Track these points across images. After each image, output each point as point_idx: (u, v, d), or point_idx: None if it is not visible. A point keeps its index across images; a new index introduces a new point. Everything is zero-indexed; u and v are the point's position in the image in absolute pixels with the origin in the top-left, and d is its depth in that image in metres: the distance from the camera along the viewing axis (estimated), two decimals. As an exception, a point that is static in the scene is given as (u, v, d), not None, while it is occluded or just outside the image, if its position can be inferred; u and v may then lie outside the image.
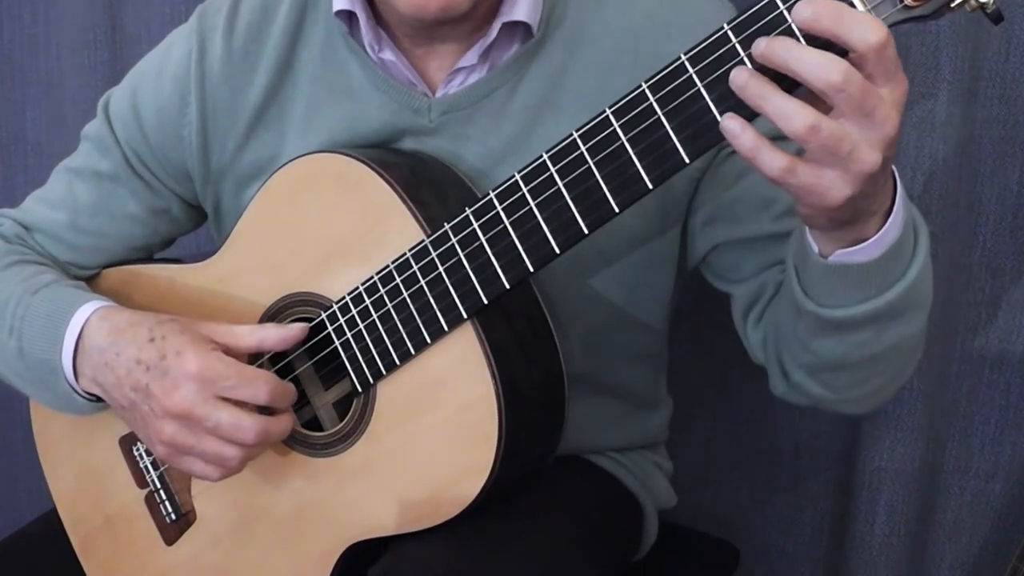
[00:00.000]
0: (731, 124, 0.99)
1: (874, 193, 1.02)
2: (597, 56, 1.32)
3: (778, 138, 0.99)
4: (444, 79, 1.35)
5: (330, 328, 1.30)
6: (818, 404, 1.32)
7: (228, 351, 1.29)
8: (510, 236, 1.16)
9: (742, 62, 0.99)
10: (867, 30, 0.92)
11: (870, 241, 1.08)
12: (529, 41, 1.32)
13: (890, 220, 1.08)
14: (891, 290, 1.12)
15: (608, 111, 1.07)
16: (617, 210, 1.09)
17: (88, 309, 1.36)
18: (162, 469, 1.45)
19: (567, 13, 1.33)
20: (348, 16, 1.34)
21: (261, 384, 1.26)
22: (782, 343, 1.28)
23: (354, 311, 1.28)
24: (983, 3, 0.95)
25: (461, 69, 1.34)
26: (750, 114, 0.99)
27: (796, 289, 1.17)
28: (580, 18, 1.33)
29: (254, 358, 1.36)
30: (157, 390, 1.27)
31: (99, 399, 1.37)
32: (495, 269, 1.18)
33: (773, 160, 0.98)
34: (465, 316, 1.21)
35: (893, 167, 1.07)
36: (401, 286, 1.24)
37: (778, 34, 0.97)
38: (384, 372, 1.27)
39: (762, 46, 0.96)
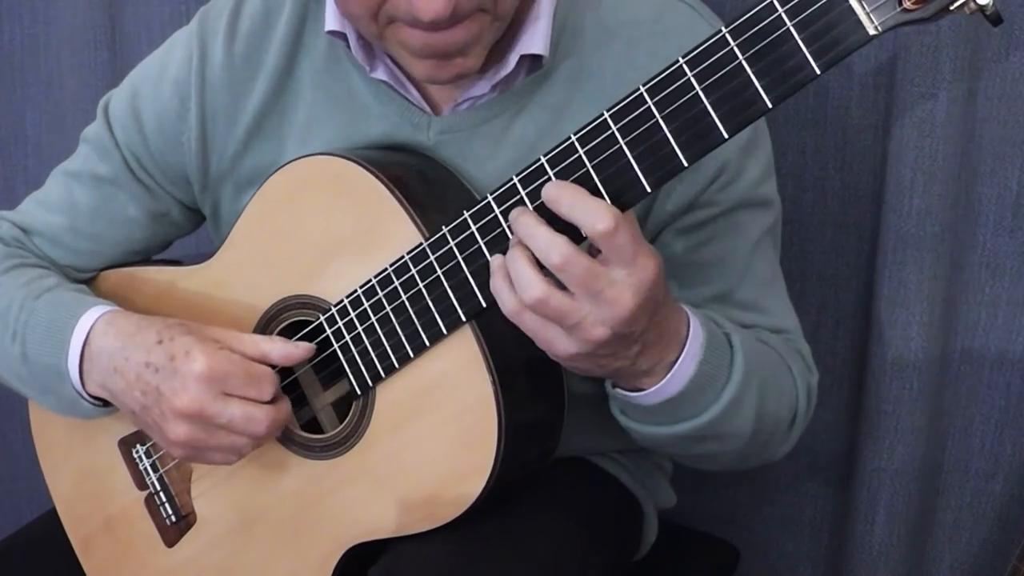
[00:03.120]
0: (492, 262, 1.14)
1: (624, 356, 1.14)
2: (601, 93, 1.29)
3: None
4: (451, 107, 1.34)
5: (328, 331, 1.30)
6: None
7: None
8: (509, 240, 1.16)
9: (740, 65, 1.00)
10: (596, 218, 1.06)
11: (645, 392, 1.20)
12: (536, 72, 1.31)
13: (667, 379, 1.18)
14: (678, 424, 1.23)
15: (606, 114, 1.07)
16: None
17: (94, 314, 1.36)
18: (162, 471, 1.45)
19: (572, 47, 1.32)
20: (344, 35, 1.33)
21: (266, 383, 1.28)
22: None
23: (352, 314, 1.28)
24: (982, 5, 0.94)
25: (471, 98, 1.33)
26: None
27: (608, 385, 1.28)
28: (586, 53, 1.32)
29: None
30: (167, 391, 1.27)
31: (105, 404, 1.37)
32: None
33: (509, 301, 1.12)
34: (464, 319, 1.21)
35: (692, 328, 1.18)
36: (399, 289, 1.23)
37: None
38: (383, 375, 1.27)
39: (512, 217, 1.12)
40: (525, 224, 1.10)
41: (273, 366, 1.31)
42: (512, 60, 1.28)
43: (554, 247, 1.07)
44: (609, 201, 1.09)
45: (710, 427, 1.22)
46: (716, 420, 1.22)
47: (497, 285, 1.13)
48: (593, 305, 1.07)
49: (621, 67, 1.30)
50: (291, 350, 1.31)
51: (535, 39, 1.28)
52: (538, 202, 1.11)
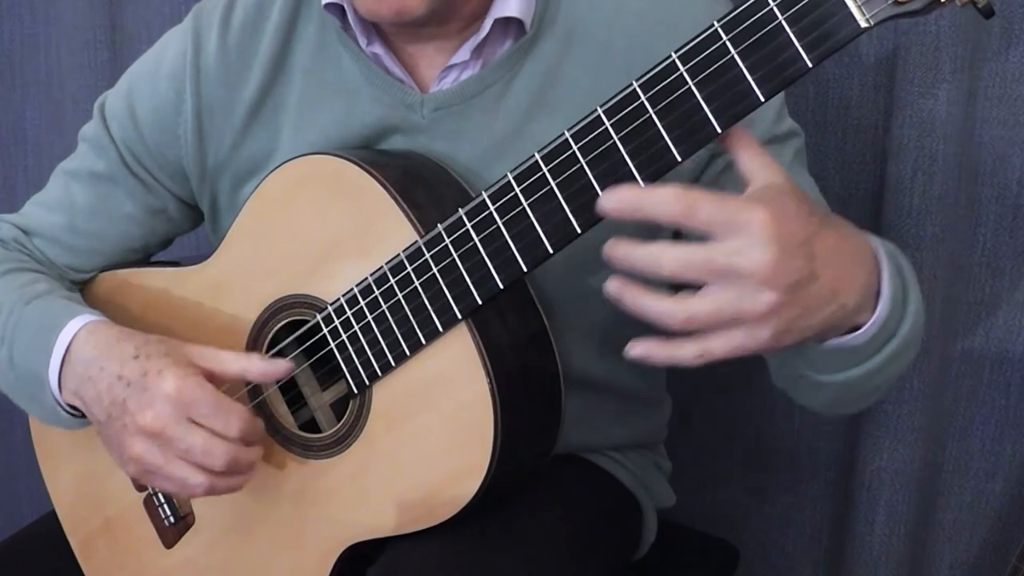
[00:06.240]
0: (638, 352, 1.03)
1: (819, 306, 1.02)
2: (591, 54, 1.31)
3: None
4: (437, 75, 1.35)
5: (325, 330, 1.30)
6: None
7: (212, 376, 1.28)
8: (503, 236, 1.16)
9: (733, 60, 1.00)
10: (664, 205, 0.98)
11: (863, 328, 1.09)
12: (522, 38, 1.32)
13: (879, 306, 1.08)
14: (883, 350, 1.13)
15: (599, 110, 1.07)
16: None
17: (78, 323, 1.35)
18: (160, 472, 1.45)
19: (560, 11, 1.33)
20: (340, 11, 1.34)
21: (235, 418, 1.25)
22: (779, 374, 1.29)
23: (349, 313, 1.27)
24: (973, -2, 0.95)
25: (454, 66, 1.33)
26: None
27: (793, 356, 1.17)
28: (574, 16, 1.32)
29: (251, 344, 1.37)
30: (133, 406, 1.26)
31: (82, 415, 1.37)
32: (489, 269, 1.17)
33: (687, 354, 1.02)
34: (460, 317, 1.20)
35: (873, 244, 1.08)
36: (395, 287, 1.23)
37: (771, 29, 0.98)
38: (380, 374, 1.27)
39: (606, 250, 1.02)
40: (621, 251, 1.01)
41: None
42: (487, 24, 1.29)
43: (658, 256, 1.00)
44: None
45: (905, 339, 1.13)
46: (912, 329, 1.13)
47: (666, 355, 1.03)
48: (736, 284, 0.98)
49: (611, 28, 1.31)
50: (271, 368, 1.29)
51: (510, 2, 1.29)
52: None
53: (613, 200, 1.01)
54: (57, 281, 1.48)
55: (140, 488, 1.47)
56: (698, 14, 1.29)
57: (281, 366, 1.29)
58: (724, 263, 0.97)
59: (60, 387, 1.35)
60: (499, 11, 1.30)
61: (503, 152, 1.32)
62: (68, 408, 1.37)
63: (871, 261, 1.08)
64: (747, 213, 0.97)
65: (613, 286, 1.02)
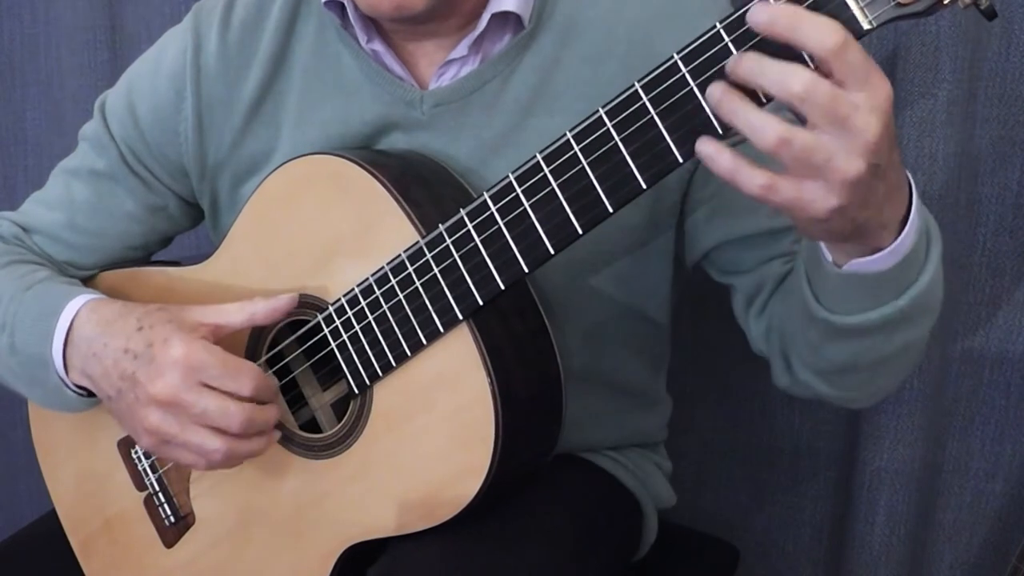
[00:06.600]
0: (707, 148, 0.99)
1: (874, 203, 1.01)
2: (590, 47, 1.31)
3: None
4: (436, 71, 1.35)
5: (326, 330, 1.30)
6: (822, 399, 1.32)
7: (219, 330, 1.30)
8: (504, 237, 1.16)
9: None
10: (823, 33, 0.92)
11: (886, 251, 1.07)
12: (521, 33, 1.32)
13: (906, 230, 1.07)
14: (903, 296, 1.12)
15: (601, 111, 1.07)
16: (611, 210, 1.09)
17: (79, 302, 1.36)
18: (161, 472, 1.45)
19: (559, 6, 1.33)
20: (340, 9, 1.35)
21: (246, 376, 1.27)
22: (789, 343, 1.28)
23: (350, 313, 1.27)
24: (976, -1, 0.94)
25: (453, 61, 1.34)
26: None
27: (808, 295, 1.17)
28: (572, 10, 1.33)
29: (253, 343, 1.37)
30: (143, 377, 1.27)
31: (90, 394, 1.38)
32: (490, 270, 1.17)
33: (752, 178, 0.97)
34: (461, 317, 1.20)
35: (909, 177, 1.07)
36: (396, 288, 1.23)
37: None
38: (380, 374, 1.27)
39: (731, 63, 0.97)
40: (751, 62, 0.96)
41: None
42: (484, 18, 1.30)
43: (792, 75, 0.94)
44: (605, 198, 1.09)
45: (925, 292, 1.13)
46: (932, 280, 1.14)
47: (729, 165, 0.98)
48: (841, 136, 0.94)
49: (610, 22, 1.31)
50: (275, 304, 1.30)
51: None
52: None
53: (767, 13, 0.95)
54: (57, 271, 1.49)
55: (140, 488, 1.47)
56: (697, 5, 1.29)
57: (284, 299, 1.31)
58: (845, 110, 0.93)
59: (66, 368, 1.36)
60: (496, 5, 1.30)
61: (503, 147, 1.32)
62: (75, 388, 1.38)
63: (907, 191, 1.07)
64: (881, 78, 0.95)
65: (716, 90, 0.97)
